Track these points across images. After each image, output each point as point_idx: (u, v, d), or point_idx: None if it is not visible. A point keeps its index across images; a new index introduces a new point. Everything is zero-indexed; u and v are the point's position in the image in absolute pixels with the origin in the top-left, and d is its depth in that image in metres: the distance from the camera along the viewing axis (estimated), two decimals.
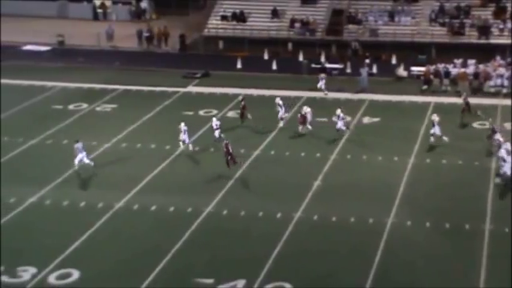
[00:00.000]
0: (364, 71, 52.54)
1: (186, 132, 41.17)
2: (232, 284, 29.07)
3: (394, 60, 57.15)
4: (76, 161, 38.96)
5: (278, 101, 45.05)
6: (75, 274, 29.68)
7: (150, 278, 29.51)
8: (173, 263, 30.58)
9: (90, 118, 47.10)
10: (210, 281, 29.23)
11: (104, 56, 60.82)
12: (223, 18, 64.30)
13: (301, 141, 42.69)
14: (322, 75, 51.53)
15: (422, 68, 53.35)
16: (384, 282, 29.17)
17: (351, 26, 62.37)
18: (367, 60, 55.03)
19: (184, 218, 34.12)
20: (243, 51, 60.57)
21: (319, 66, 55.64)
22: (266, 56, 60.04)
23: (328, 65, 56.07)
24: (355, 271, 29.85)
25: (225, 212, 34.75)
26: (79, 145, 39.13)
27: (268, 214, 34.34)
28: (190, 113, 47.51)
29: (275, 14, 64.21)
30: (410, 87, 51.75)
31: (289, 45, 61.62)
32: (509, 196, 35.73)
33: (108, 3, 72.97)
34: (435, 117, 41.78)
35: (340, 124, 42.77)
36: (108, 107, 49.03)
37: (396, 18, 62.24)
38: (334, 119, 42.94)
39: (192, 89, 52.63)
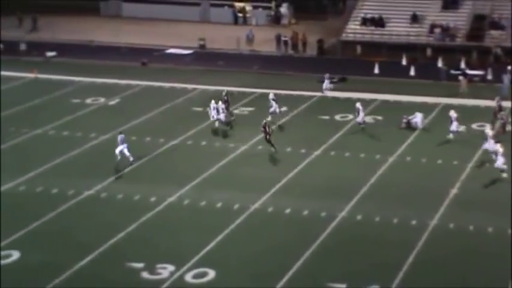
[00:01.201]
0: (506, 78, 51.37)
1: (216, 110, 44.46)
2: None
3: None
4: (117, 151, 40.02)
5: (271, 96, 46.19)
6: (211, 273, 30.33)
7: (284, 279, 29.83)
8: (306, 266, 30.81)
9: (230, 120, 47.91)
10: (343, 286, 29.30)
11: (243, 60, 61.76)
12: (362, 23, 64.19)
13: (439, 148, 42.17)
14: (327, 74, 51.78)
15: None
16: None
17: (493, 32, 61.06)
18: (510, 67, 53.76)
19: (318, 222, 34.30)
20: (381, 57, 60.27)
21: (458, 72, 54.78)
22: (404, 62, 59.54)
23: (468, 71, 55.11)
24: (493, 280, 29.32)
25: (359, 217, 34.74)
26: (121, 137, 40.39)
27: (403, 221, 34.13)
28: (326, 117, 47.71)
29: (415, 19, 63.60)
30: None
31: (428, 51, 60.91)
32: None
33: (248, 8, 74.06)
34: (453, 113, 42.33)
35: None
36: (246, 110, 49.79)
37: None
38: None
39: (329, 93, 52.76)
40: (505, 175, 38.26)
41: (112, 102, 50.64)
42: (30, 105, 49.94)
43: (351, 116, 47.33)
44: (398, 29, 63.34)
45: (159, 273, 30.32)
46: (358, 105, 45.30)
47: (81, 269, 30.56)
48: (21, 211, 35.31)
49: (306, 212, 35.24)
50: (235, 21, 73.92)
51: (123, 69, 57.53)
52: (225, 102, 46.92)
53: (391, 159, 41.06)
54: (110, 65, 59.73)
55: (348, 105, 49.48)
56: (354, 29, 64.18)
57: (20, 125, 46.01)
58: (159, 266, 30.74)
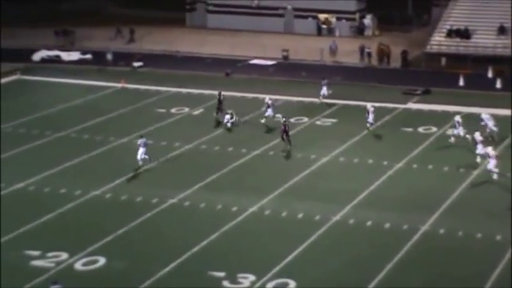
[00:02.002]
0: None
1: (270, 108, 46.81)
2: None
3: None
4: (139, 157, 41.27)
5: (267, 100, 47.81)
6: (292, 284, 30.43)
7: None
8: (387, 280, 30.66)
9: (310, 131, 48.09)
10: None
11: (326, 71, 61.75)
12: (448, 34, 63.57)
13: None
14: (325, 80, 52.64)
15: None
16: None
17: None
18: None
19: (400, 235, 34.13)
20: (466, 69, 59.57)
21: None
22: (490, 74, 58.73)
23: None
24: None
25: (442, 230, 34.44)
26: (141, 141, 41.61)
27: (488, 235, 33.70)
28: (409, 129, 47.44)
29: (502, 31, 62.70)
30: None
31: None
32: None
33: (332, 20, 74.09)
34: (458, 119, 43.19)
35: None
36: (328, 121, 49.85)
37: None
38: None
39: (412, 105, 52.46)
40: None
41: (196, 112, 51.30)
42: (117, 114, 50.96)
43: (434, 129, 46.96)
44: (485, 41, 62.55)
45: (240, 283, 30.59)
46: (457, 118, 44.85)
47: (164, 277, 31.06)
48: (107, 218, 36.08)
49: (387, 225, 35.10)
50: (319, 32, 74.01)
51: (207, 80, 58.19)
52: (219, 102, 49.01)
53: (475, 173, 40.58)
54: (194, 75, 60.52)
55: (431, 118, 49.13)
56: (438, 41, 63.62)
57: (107, 133, 46.97)
58: (240, 275, 31.00)
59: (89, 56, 65.31)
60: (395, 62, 63.88)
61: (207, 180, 40.32)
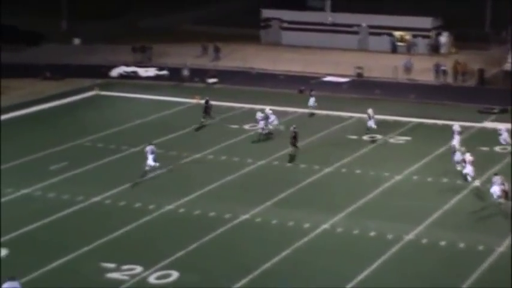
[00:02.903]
0: None
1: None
2: None
3: None
4: (148, 164, 42.44)
5: (267, 111, 49.29)
6: None
7: None
8: None
9: (384, 149, 47.93)
10: None
11: (400, 89, 61.54)
12: None
13: None
14: (313, 91, 54.70)
15: None
16: None
17: None
18: None
19: (475, 256, 33.75)
20: None
21: None
22: None
23: None
24: None
25: None
26: (149, 148, 42.67)
27: None
28: (486, 148, 46.90)
29: None
30: None
31: None
32: None
33: (407, 37, 73.74)
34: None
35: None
36: (402, 139, 49.60)
37: None
38: None
39: (488, 124, 51.86)
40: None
41: (273, 127, 51.40)
42: (191, 130, 51.57)
43: (509, 148, 46.31)
44: None
45: None
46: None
47: None
48: (180, 232, 36.51)
49: (461, 245, 34.75)
50: (394, 49, 73.75)
51: (280, 96, 58.49)
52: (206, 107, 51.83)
53: None
54: (268, 92, 60.88)
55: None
56: None
57: (181, 149, 47.57)
58: None
59: (165, 72, 66.30)
60: (472, 80, 63.22)
61: (279, 197, 40.50)
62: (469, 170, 41.23)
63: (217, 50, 71.58)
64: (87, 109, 56.16)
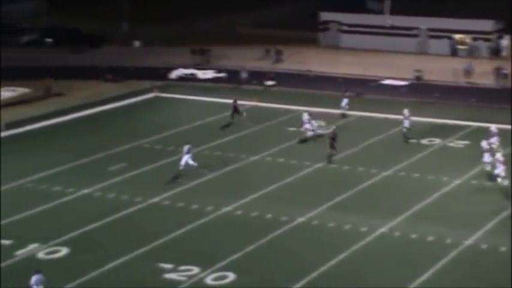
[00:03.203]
0: None
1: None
2: None
3: None
4: (182, 162, 42.95)
5: (306, 116, 49.59)
6: None
7: None
8: None
9: (442, 153, 47.55)
10: None
11: (460, 92, 60.95)
12: None
13: None
14: (347, 92, 54.73)
15: None
16: None
17: None
18: None
19: None
20: None
21: None
22: None
23: None
24: None
25: None
26: (186, 147, 43.04)
27: None
28: None
29: None
30: None
31: None
32: None
33: (468, 40, 73.00)
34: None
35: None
36: (461, 144, 49.15)
37: None
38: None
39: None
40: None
41: (327, 131, 51.35)
42: (249, 132, 51.76)
43: None
44: None
45: None
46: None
47: None
48: (237, 234, 36.70)
49: None
50: (454, 53, 73.07)
51: (338, 100, 58.33)
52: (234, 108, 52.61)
53: None
54: (325, 94, 60.81)
55: None
56: None
57: (239, 151, 47.78)
58: None
59: (223, 75, 66.66)
60: None
61: (336, 200, 40.45)
62: (500, 170, 41.35)
63: (279, 53, 71.67)
64: (146, 111, 56.74)
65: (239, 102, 53.71)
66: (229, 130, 51.64)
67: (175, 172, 43.40)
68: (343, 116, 54.19)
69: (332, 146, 46.35)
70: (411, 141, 48.94)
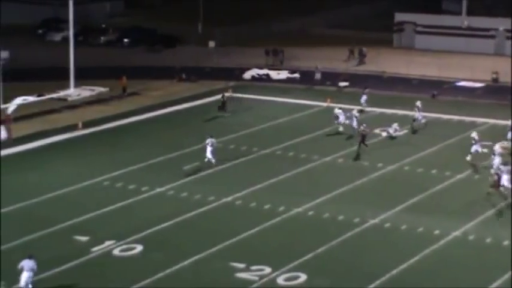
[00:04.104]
0: None
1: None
2: None
3: None
4: (208, 154, 44.32)
5: (354, 112, 50.53)
6: None
7: None
8: None
9: None
10: None
11: None
12: None
13: None
14: (367, 89, 55.69)
15: None
16: None
17: None
18: None
19: None
20: None
21: None
22: None
23: None
24: None
25: None
26: (208, 140, 44.40)
27: None
28: None
29: None
30: None
31: None
32: None
33: None
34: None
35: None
36: None
37: None
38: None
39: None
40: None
41: (399, 133, 51.16)
42: (321, 133, 51.76)
43: None
44: None
45: None
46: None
47: None
48: (309, 235, 36.76)
49: None
50: None
51: (412, 101, 57.85)
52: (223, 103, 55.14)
53: None
54: (399, 96, 60.43)
55: None
56: None
57: (311, 152, 47.82)
58: None
59: (296, 75, 66.77)
60: None
61: (409, 202, 40.21)
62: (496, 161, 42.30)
63: (362, 54, 71.34)
64: (220, 111, 57.10)
65: (314, 103, 53.56)
66: (302, 131, 51.66)
67: (201, 164, 44.41)
68: (362, 111, 53.90)
69: (362, 143, 46.83)
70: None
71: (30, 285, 30.54)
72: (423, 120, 52.07)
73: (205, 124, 53.89)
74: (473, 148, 45.78)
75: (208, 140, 44.92)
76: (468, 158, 45.57)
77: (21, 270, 30.64)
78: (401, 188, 41.98)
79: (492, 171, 42.12)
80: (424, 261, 34.02)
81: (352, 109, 52.63)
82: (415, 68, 67.77)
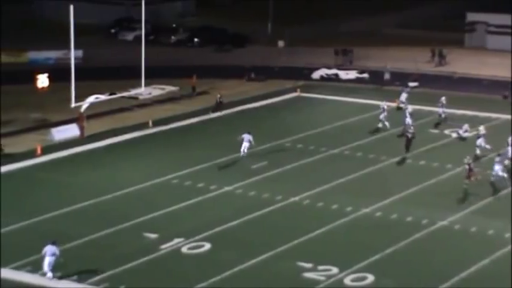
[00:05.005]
0: None
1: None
2: None
3: None
4: (243, 150, 45.28)
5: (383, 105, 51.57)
6: None
7: None
8: None
9: None
10: None
11: None
12: None
13: None
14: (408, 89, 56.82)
15: None
16: None
17: None
18: None
19: None
20: None
21: None
22: None
23: None
24: None
25: None
26: (245, 136, 45.36)
27: None
28: None
29: None
30: None
31: None
32: None
33: None
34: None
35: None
36: None
37: None
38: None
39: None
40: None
41: (470, 134, 50.56)
42: (390, 134, 51.51)
43: None
44: None
45: None
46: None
47: None
48: (376, 236, 36.66)
49: None
50: None
51: (483, 102, 57.32)
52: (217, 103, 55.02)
53: None
54: (470, 96, 59.77)
55: None
56: None
57: (380, 152, 47.63)
58: None
59: (365, 75, 66.53)
60: None
61: (479, 204, 39.81)
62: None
63: (442, 56, 70.58)
64: (288, 110, 57.29)
65: (385, 103, 53.24)
66: (371, 131, 51.50)
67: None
68: (398, 108, 54.00)
69: (407, 146, 46.84)
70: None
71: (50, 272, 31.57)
72: (443, 115, 52.83)
73: (273, 123, 54.05)
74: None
75: (245, 136, 45.76)
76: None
77: (44, 256, 31.67)
78: (471, 190, 41.52)
79: (465, 160, 42.09)
80: (494, 265, 33.66)
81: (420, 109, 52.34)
82: (487, 69, 66.92)
